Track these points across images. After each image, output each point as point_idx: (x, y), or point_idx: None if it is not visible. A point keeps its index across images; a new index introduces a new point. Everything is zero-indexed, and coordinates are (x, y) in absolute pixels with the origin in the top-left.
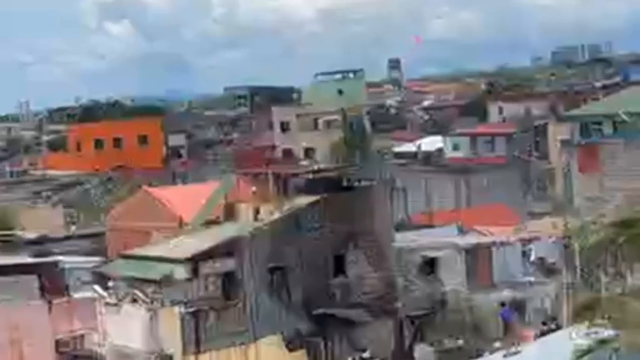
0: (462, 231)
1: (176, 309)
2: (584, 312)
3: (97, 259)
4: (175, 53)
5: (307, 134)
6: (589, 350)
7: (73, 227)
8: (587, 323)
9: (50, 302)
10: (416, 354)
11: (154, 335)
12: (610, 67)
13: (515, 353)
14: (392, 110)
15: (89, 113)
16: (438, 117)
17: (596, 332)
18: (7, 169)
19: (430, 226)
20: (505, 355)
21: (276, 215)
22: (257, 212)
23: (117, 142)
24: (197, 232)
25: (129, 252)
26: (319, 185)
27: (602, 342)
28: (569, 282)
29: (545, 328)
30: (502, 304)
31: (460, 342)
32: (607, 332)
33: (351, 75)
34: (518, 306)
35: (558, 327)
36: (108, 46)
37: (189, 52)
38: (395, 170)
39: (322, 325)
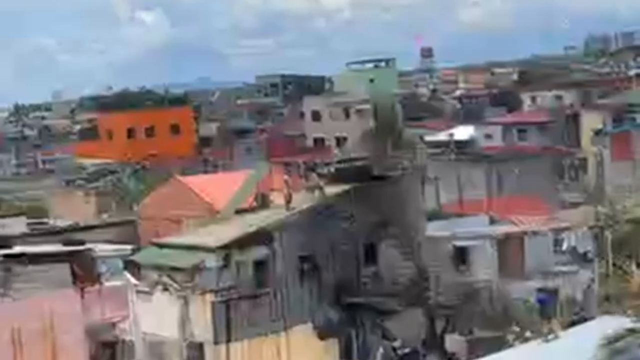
0: (494, 221)
1: (207, 297)
2: (615, 301)
3: (129, 247)
4: (207, 41)
5: (338, 123)
6: (616, 339)
7: (105, 216)
8: (617, 312)
9: (82, 290)
10: (447, 344)
11: (185, 323)
12: None
13: (551, 340)
14: (424, 99)
15: (121, 102)
16: (470, 106)
17: (628, 321)
18: (40, 157)
19: (462, 215)
20: (544, 340)
21: (308, 204)
22: (289, 200)
23: (149, 130)
24: (229, 221)
25: (160, 240)
26: (351, 174)
27: (632, 330)
28: (601, 272)
29: (577, 317)
30: (540, 289)
31: (492, 332)
32: (638, 321)
33: (383, 64)
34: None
35: (585, 319)
36: (140, 35)
37: (220, 40)
38: (427, 159)
39: (353, 314)
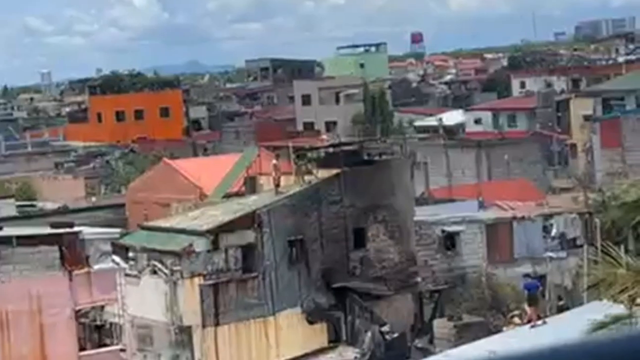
0: (483, 206)
1: (196, 280)
2: (603, 288)
3: (117, 230)
4: (196, 25)
5: (328, 107)
6: (603, 326)
7: (94, 199)
8: (605, 299)
9: (70, 273)
10: (435, 329)
11: (173, 307)
12: (634, 43)
13: (538, 325)
14: (414, 84)
15: (110, 84)
16: (460, 92)
17: (613, 308)
18: (29, 139)
19: (451, 200)
20: (532, 326)
21: (297, 189)
22: (277, 184)
23: (138, 113)
24: (217, 204)
25: (149, 223)
26: (340, 158)
27: (618, 318)
28: (590, 258)
29: (561, 303)
30: (527, 275)
31: (480, 317)
32: (624, 308)
33: (373, 49)
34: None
35: (570, 306)
36: (130, 17)
37: (211, 23)
38: (417, 144)
39: (341, 298)
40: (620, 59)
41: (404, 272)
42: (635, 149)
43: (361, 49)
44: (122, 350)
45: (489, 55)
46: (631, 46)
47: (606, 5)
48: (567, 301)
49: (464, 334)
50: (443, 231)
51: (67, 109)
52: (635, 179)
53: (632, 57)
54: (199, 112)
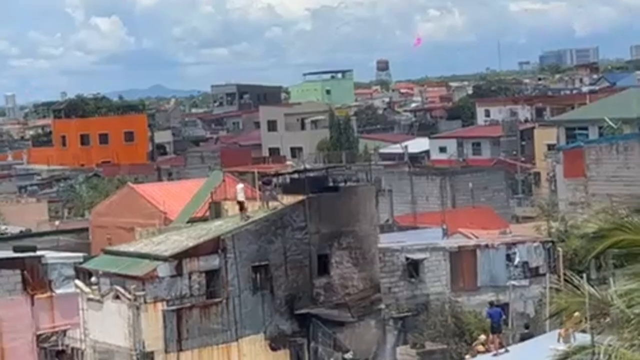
0: (446, 233)
1: (159, 306)
2: (565, 316)
3: (80, 254)
4: (163, 49)
5: (294, 133)
6: (565, 356)
7: (57, 222)
8: (567, 328)
9: (32, 297)
10: (399, 356)
11: (135, 332)
12: (597, 73)
13: (500, 354)
14: (380, 112)
15: (75, 108)
16: (425, 119)
17: (578, 336)
18: None
19: (416, 228)
20: (495, 355)
21: (261, 214)
22: (242, 210)
23: (103, 137)
24: (181, 229)
25: (112, 248)
26: (305, 184)
27: (581, 347)
28: (553, 287)
29: (526, 332)
30: (491, 303)
31: (443, 345)
32: (587, 337)
33: (340, 75)
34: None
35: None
36: (95, 41)
37: (176, 48)
38: (382, 171)
39: (305, 324)
40: (584, 89)
41: (367, 299)
42: (598, 179)
43: (327, 76)
44: None
45: (454, 84)
46: (595, 76)
47: (570, 36)
48: (531, 329)
49: None
50: (407, 258)
51: (31, 132)
52: (596, 209)
53: (596, 87)
54: (164, 136)
